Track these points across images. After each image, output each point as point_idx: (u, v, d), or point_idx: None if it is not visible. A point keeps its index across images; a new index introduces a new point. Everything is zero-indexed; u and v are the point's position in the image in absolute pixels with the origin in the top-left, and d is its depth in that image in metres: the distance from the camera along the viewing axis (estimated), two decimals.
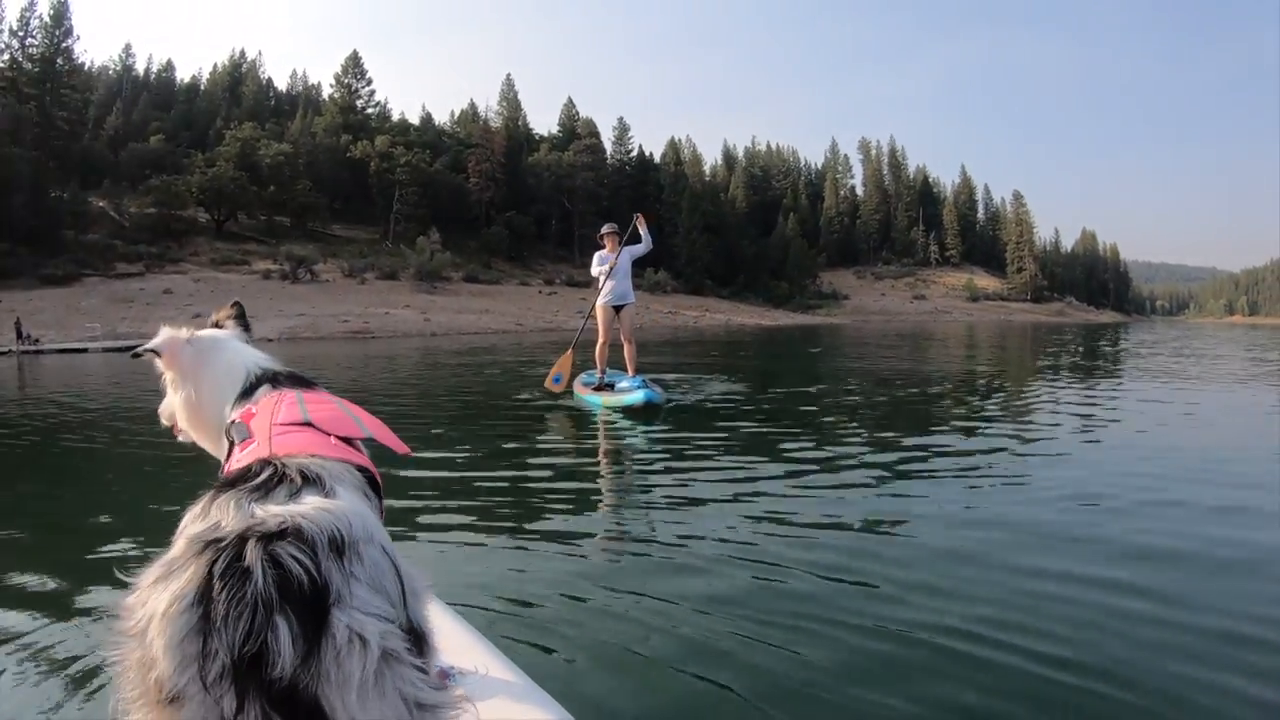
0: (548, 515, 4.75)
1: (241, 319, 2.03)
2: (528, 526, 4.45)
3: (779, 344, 31.60)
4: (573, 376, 11.15)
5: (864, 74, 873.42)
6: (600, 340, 10.67)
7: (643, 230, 10.52)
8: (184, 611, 0.95)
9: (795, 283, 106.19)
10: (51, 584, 3.57)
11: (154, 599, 0.98)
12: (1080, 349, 25.04)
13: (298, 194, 73.97)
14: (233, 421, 1.62)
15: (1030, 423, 8.63)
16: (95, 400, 12.32)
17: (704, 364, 18.81)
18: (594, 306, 10.87)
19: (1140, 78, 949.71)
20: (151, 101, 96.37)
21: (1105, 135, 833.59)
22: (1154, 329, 65.05)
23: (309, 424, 1.49)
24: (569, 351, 11.06)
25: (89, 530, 4.50)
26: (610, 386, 10.01)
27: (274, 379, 1.77)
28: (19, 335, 35.38)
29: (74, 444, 7.97)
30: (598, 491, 5.72)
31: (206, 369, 1.81)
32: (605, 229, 10.84)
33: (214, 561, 0.98)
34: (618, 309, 10.67)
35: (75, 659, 2.74)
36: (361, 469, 1.42)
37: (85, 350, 32.34)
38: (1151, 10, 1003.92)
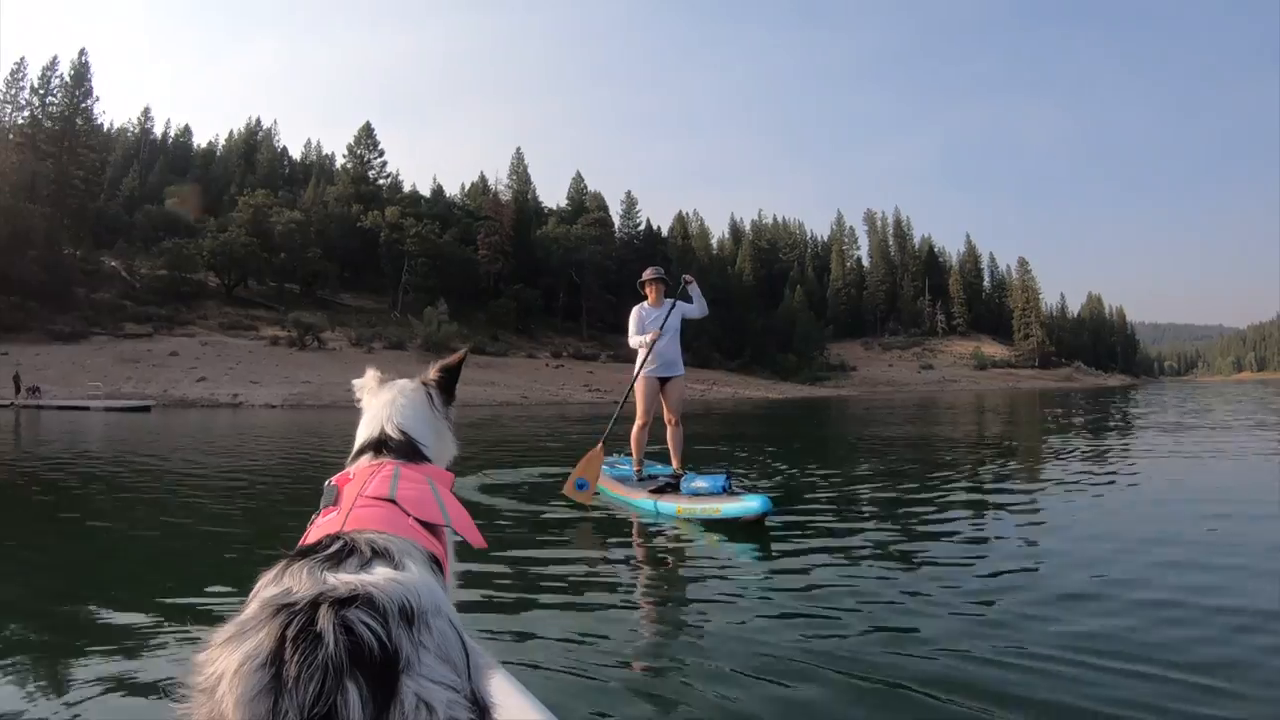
0: (598, 597, 4.64)
1: (444, 376, 2.08)
2: (575, 604, 4.45)
3: (794, 417, 31.49)
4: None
5: (868, 146, 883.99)
6: (639, 421, 8.37)
7: (694, 292, 8.47)
8: (255, 671, 0.97)
9: (803, 355, 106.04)
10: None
11: (225, 657, 1.00)
12: (1089, 417, 24.85)
13: (308, 262, 74.65)
14: (328, 482, 1.67)
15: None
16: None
17: (727, 437, 18.30)
18: (634, 379, 8.47)
19: (1138, 140, 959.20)
20: (168, 165, 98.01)
21: (1107, 198, 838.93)
22: (1163, 390, 66.59)
23: (393, 501, 1.52)
24: (598, 448, 8.11)
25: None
26: (673, 486, 7.38)
27: (381, 445, 1.83)
28: (17, 389, 36.07)
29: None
30: (638, 567, 5.72)
31: (366, 409, 1.95)
32: (648, 274, 8.63)
33: (287, 625, 1.00)
34: (664, 381, 8.46)
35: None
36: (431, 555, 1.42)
37: (87, 409, 32.36)
38: (1147, 73, 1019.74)
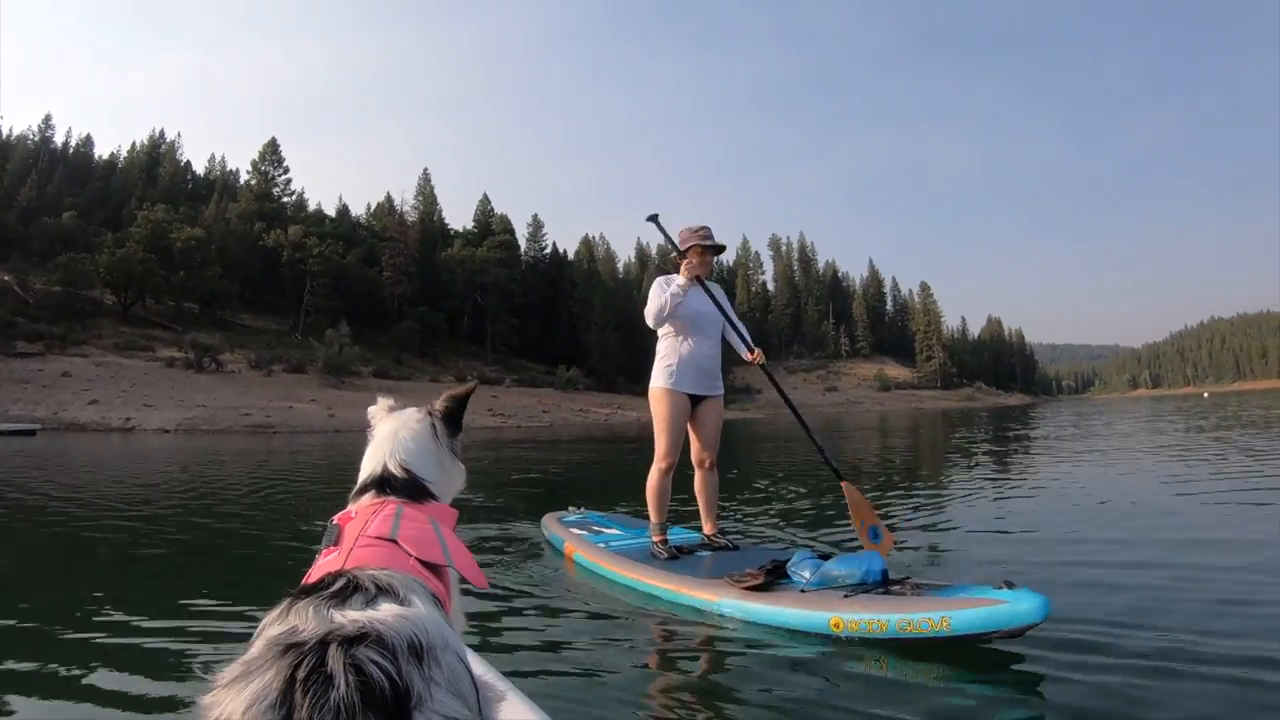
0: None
1: (450, 407, 2.03)
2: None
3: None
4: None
5: (773, 171, 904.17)
6: (661, 463, 5.56)
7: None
8: (265, 712, 0.95)
9: None
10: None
11: (232, 699, 0.98)
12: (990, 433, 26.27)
13: (208, 280, 73.07)
14: (331, 521, 1.67)
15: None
16: None
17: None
18: (659, 394, 5.67)
19: (1036, 166, 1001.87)
20: (67, 176, 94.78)
21: (1005, 223, 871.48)
22: (1060, 408, 67.31)
23: (394, 541, 1.52)
24: (848, 485, 5.40)
25: None
26: (774, 573, 4.35)
27: (384, 483, 1.81)
28: None
29: None
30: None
31: (372, 439, 1.94)
32: (697, 236, 5.68)
33: (296, 665, 0.99)
34: (696, 401, 5.70)
35: None
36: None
37: None
38: (1045, 101, 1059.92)
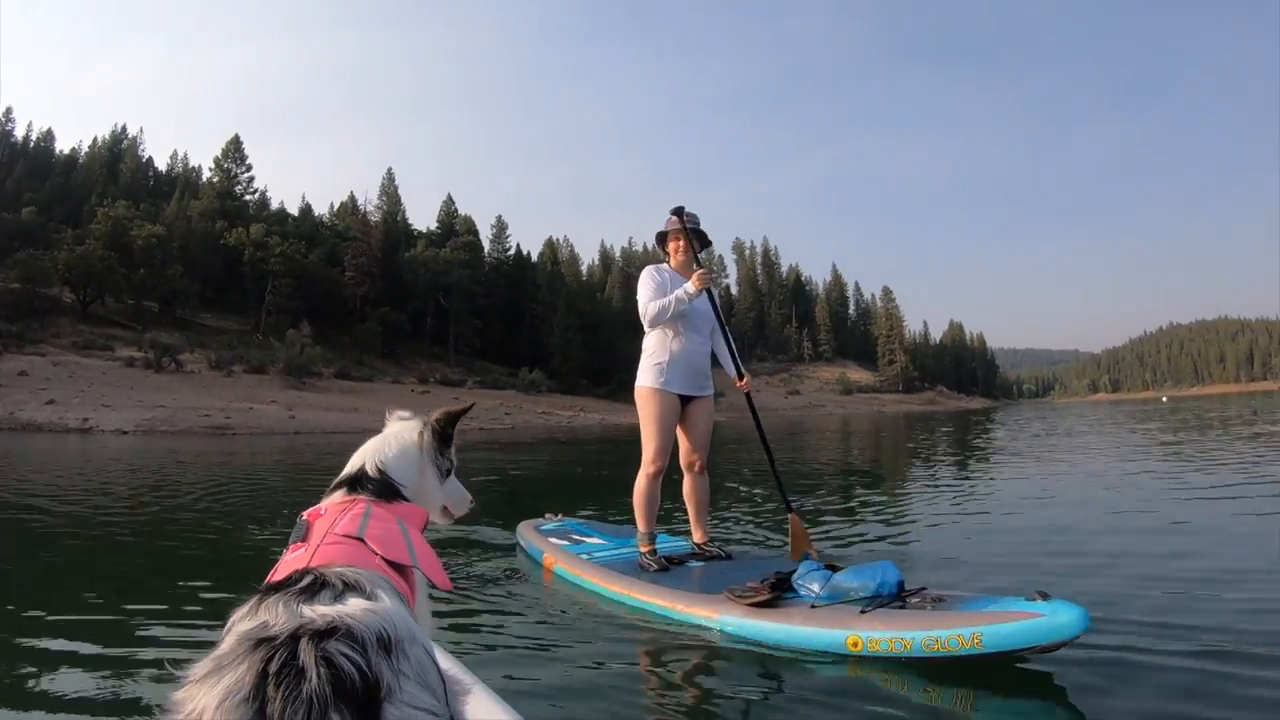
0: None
1: (443, 420, 2.10)
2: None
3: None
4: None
5: (738, 175, 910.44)
6: (649, 467, 5.29)
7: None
8: (237, 706, 0.96)
9: None
10: None
11: (204, 694, 0.99)
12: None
13: (168, 279, 72.14)
14: (301, 516, 1.69)
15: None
16: None
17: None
18: (648, 395, 5.38)
19: (999, 173, 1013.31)
20: (27, 170, 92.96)
21: (969, 229, 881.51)
22: (1021, 412, 68.11)
23: (361, 539, 1.53)
24: (794, 517, 5.50)
25: None
26: (780, 586, 4.10)
27: (356, 482, 1.86)
28: None
29: None
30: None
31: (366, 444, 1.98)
32: (673, 221, 5.62)
33: (268, 659, 1.00)
34: (686, 401, 5.47)
35: None
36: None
37: None
38: (1010, 108, 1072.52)
